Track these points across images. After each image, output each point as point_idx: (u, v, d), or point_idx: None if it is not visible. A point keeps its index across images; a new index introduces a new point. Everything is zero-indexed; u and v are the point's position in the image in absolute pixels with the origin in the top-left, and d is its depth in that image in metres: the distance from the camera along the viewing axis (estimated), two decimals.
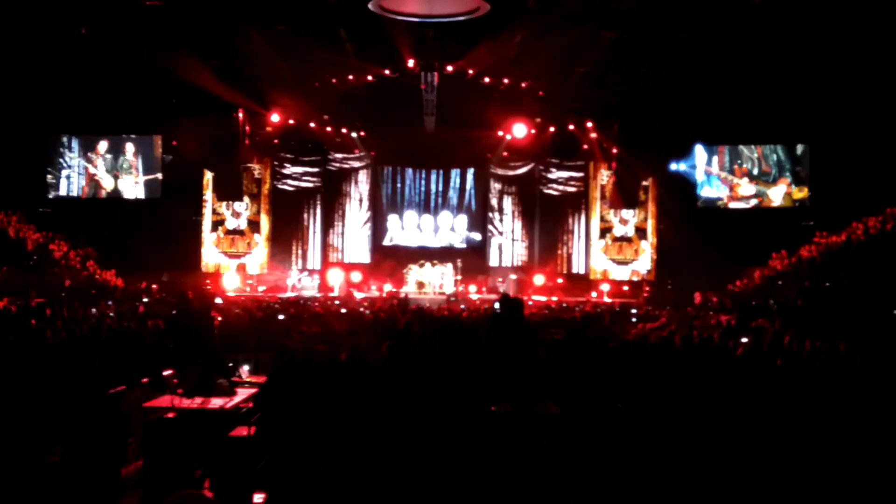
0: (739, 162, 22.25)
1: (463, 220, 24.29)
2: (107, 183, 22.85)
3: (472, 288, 22.32)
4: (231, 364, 7.89)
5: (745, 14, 14.52)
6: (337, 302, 18.66)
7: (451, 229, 24.27)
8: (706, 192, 22.68)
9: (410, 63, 18.62)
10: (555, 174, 23.77)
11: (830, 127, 20.23)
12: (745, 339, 10.10)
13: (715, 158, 22.47)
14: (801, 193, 21.87)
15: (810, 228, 20.11)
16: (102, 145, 22.84)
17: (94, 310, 13.64)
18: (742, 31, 15.29)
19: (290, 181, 23.82)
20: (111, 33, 16.02)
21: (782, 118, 20.27)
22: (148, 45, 16.28)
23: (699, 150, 22.37)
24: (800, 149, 21.88)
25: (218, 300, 15.65)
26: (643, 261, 22.85)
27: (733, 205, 22.46)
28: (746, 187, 22.19)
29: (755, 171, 22.15)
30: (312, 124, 22.58)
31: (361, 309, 15.30)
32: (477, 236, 24.25)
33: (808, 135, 21.65)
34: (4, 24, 15.31)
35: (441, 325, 10.41)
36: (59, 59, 17.06)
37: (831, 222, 19.28)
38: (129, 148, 22.85)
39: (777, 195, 22.06)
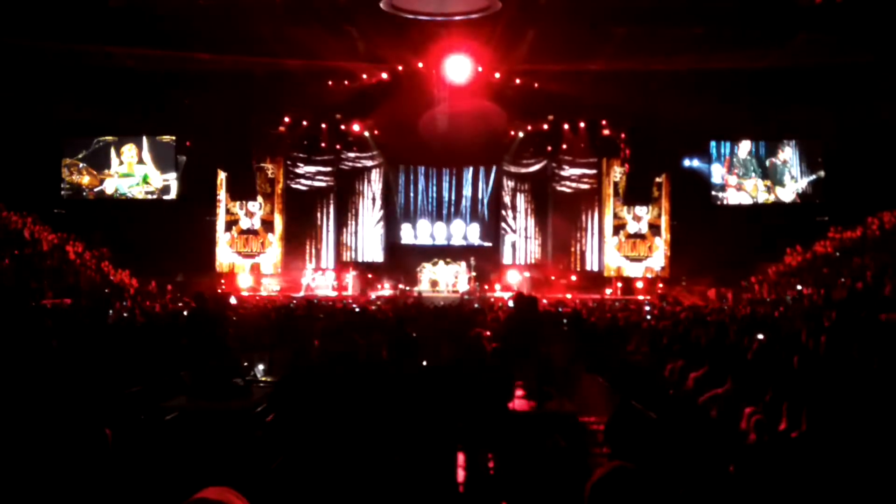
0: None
1: (475, 228, 24.27)
2: (121, 183, 22.97)
3: (487, 286, 22.23)
4: (246, 364, 7.91)
5: (757, 9, 14.46)
6: (350, 301, 18.69)
7: (464, 237, 24.25)
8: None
9: (422, 62, 18.62)
10: (568, 171, 23.65)
11: (843, 122, 20.08)
12: (760, 336, 10.01)
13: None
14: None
15: (825, 224, 19.99)
16: (116, 146, 22.94)
17: (109, 311, 13.71)
18: (755, 25, 15.23)
19: (303, 180, 23.84)
20: (123, 34, 16.11)
21: (796, 113, 20.12)
22: (161, 45, 16.37)
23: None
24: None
25: (233, 300, 15.72)
26: (657, 257, 22.77)
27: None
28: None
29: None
30: (324, 125, 22.64)
31: (374, 308, 15.31)
32: (489, 244, 24.23)
33: (821, 130, 21.50)
34: (18, 25, 15.42)
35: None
36: (72, 59, 17.14)
37: (846, 217, 19.16)
38: (143, 148, 22.96)
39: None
